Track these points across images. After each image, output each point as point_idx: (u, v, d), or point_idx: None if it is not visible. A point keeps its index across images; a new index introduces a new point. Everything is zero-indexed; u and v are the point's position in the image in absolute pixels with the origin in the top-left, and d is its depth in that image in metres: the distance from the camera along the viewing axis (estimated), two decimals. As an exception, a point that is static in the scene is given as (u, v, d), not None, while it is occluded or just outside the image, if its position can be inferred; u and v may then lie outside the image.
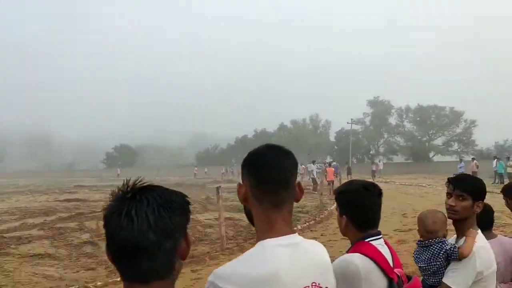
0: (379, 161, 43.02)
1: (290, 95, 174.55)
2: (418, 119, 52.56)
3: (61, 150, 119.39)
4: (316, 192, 19.91)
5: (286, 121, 61.40)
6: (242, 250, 8.17)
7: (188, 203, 0.97)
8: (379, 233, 1.67)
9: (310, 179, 25.40)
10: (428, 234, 1.99)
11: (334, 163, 30.42)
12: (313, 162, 29.48)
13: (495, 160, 26.19)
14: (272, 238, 1.13)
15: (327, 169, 22.71)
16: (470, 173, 27.53)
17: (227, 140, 66.57)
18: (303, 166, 30.43)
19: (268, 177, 1.16)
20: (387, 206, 16.30)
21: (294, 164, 1.23)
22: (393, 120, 55.30)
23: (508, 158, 24.66)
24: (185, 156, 73.38)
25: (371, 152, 57.15)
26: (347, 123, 54.58)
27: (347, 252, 1.67)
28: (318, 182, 23.26)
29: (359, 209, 1.64)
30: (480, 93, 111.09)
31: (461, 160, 28.40)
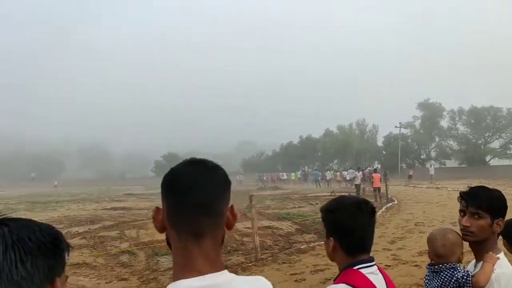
0: (430, 166, 41.21)
1: (336, 100, 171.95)
2: (472, 121, 49.89)
3: (114, 159, 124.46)
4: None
5: (332, 127, 60.44)
6: (276, 260, 7.97)
7: (60, 241, 0.76)
8: (371, 259, 1.44)
9: (354, 186, 24.83)
10: (438, 258, 1.71)
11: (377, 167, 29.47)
12: (358, 169, 28.69)
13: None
14: (186, 279, 0.87)
15: (373, 175, 21.92)
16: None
17: (274, 147, 66.46)
18: (338, 172, 29.83)
19: (184, 200, 0.90)
20: (437, 214, 15.53)
21: (223, 183, 0.96)
22: (445, 123, 52.90)
23: None
24: (232, 163, 73.92)
25: (421, 156, 54.87)
26: (395, 127, 52.90)
27: (334, 281, 1.44)
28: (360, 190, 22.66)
29: (349, 231, 1.42)
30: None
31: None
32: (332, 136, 58.18)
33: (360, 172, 26.60)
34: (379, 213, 16.64)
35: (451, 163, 52.38)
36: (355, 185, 24.00)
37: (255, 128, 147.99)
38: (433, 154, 54.07)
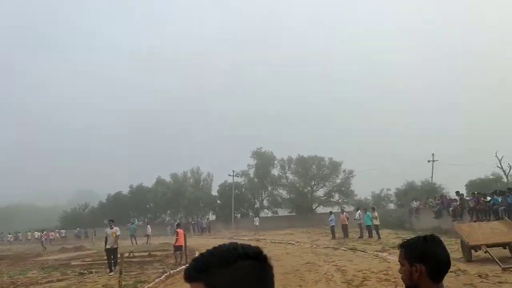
0: (255, 217, 40.32)
1: (170, 148, 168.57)
2: (300, 170, 51.67)
3: None
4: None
5: (165, 175, 56.48)
6: None
7: None
8: None
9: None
10: None
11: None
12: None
13: (359, 211, 24.52)
14: None
15: (178, 230, 18.43)
16: (341, 226, 25.59)
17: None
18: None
19: None
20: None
21: None
22: (276, 171, 53.82)
23: (373, 209, 23.04)
24: (55, 217, 63.38)
25: (255, 205, 54.48)
26: (229, 175, 51.77)
27: None
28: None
29: (439, 260, 1.91)
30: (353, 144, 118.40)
31: (330, 213, 26.35)
32: (164, 185, 54.16)
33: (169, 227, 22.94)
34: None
35: (283, 211, 52.97)
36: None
37: (93, 175, 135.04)
38: (265, 203, 54.11)
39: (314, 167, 51.26)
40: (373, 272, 11.73)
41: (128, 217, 53.39)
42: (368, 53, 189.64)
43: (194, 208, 52.72)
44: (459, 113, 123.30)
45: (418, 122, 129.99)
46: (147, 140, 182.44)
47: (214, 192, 55.23)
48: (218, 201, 54.06)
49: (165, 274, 13.44)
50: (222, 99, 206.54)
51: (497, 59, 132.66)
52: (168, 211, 54.97)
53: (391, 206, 43.90)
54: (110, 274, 14.13)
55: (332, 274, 11.90)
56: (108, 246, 15.16)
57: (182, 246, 17.57)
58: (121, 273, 10.58)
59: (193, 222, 48.65)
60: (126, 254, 21.12)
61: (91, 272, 15.75)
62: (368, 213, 22.61)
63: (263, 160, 53.38)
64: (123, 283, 12.60)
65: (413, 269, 1.96)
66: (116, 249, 14.91)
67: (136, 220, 53.64)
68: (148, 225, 35.01)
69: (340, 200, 50.32)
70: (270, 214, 53.20)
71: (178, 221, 23.95)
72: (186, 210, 53.21)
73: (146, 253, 21.07)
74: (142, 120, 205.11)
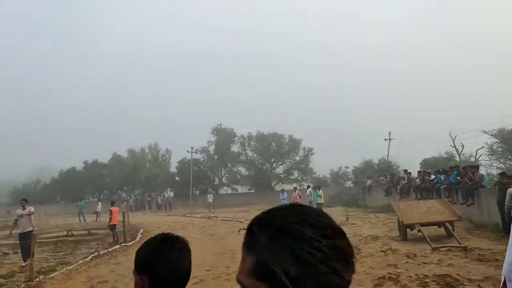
0: (209, 194, 39.81)
1: (130, 122, 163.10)
2: (260, 147, 51.32)
3: None
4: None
5: (121, 151, 54.80)
6: None
7: None
8: None
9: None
10: None
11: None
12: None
13: (309, 189, 24.39)
14: None
15: (111, 209, 17.54)
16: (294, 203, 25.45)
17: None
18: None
19: None
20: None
21: None
22: (235, 148, 53.26)
23: (318, 187, 22.94)
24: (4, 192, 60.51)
25: (215, 182, 53.96)
26: (187, 151, 50.79)
27: None
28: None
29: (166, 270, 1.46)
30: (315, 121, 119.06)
31: (283, 191, 26.09)
32: (121, 161, 52.63)
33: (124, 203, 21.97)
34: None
35: (242, 188, 52.72)
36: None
37: (51, 151, 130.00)
38: (224, 180, 53.68)
39: (274, 144, 51.01)
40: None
41: (82, 193, 51.79)
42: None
43: (152, 185, 51.62)
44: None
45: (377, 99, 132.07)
46: (104, 114, 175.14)
47: (173, 169, 54.25)
48: (177, 178, 53.17)
49: (92, 255, 12.67)
50: (186, 74, 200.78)
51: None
52: (125, 188, 53.60)
53: (349, 184, 44.47)
54: (24, 264, 11.73)
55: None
56: (20, 230, 12.28)
57: (116, 224, 16.78)
58: (32, 255, 9.71)
59: (149, 199, 47.70)
60: (64, 233, 20.24)
61: (16, 253, 14.76)
62: (317, 191, 22.45)
63: (223, 136, 52.66)
64: (45, 264, 11.82)
65: (139, 282, 1.38)
66: (31, 232, 11.97)
67: (91, 197, 52.20)
68: (99, 202, 33.80)
69: (299, 178, 50.52)
70: (229, 191, 52.95)
71: (113, 199, 22.85)
72: (143, 186, 52.02)
73: (86, 232, 20.13)
74: (102, 90, 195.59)
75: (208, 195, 39.24)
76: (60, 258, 12.68)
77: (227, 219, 25.34)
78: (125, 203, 46.98)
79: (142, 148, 54.32)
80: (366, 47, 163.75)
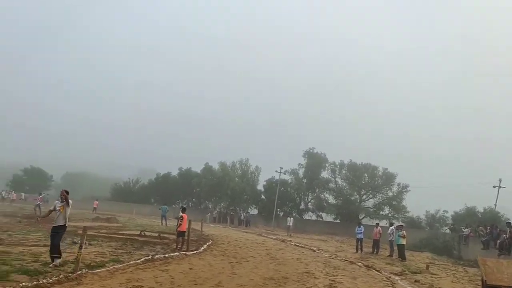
0: (290, 218, 38.70)
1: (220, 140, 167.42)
2: (350, 176, 48.95)
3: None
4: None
5: (213, 162, 56.45)
6: None
7: None
8: None
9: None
10: None
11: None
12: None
13: (392, 227, 22.05)
14: None
15: (183, 215, 17.56)
16: (372, 240, 23.30)
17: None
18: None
19: None
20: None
21: None
22: (325, 174, 51.49)
23: (401, 227, 20.61)
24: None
25: (300, 206, 52.67)
26: (276, 171, 50.48)
27: None
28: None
29: None
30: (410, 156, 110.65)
31: (359, 224, 24.05)
32: (211, 172, 54.15)
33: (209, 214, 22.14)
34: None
35: (327, 217, 50.64)
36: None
37: (155, 155, 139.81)
38: (310, 205, 52.11)
39: (366, 175, 48.32)
40: (364, 296, 9.95)
41: (173, 198, 54.20)
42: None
43: (238, 199, 52.13)
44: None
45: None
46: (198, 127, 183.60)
47: (260, 187, 54.29)
48: (263, 196, 53.04)
49: (146, 258, 12.56)
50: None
51: None
52: (212, 199, 54.91)
53: (445, 230, 40.06)
54: (51, 265, 10.07)
55: (316, 290, 10.29)
56: (54, 224, 10.62)
57: (185, 231, 16.72)
58: (80, 247, 9.76)
59: (231, 213, 48.10)
60: (137, 232, 20.85)
61: (91, 244, 15.35)
62: (399, 231, 20.22)
63: (314, 160, 51.39)
64: (99, 259, 11.96)
65: None
66: (63, 227, 10.54)
67: (180, 203, 54.31)
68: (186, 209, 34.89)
69: (389, 214, 46.89)
70: (313, 217, 51.26)
71: (184, 205, 22.97)
72: (229, 200, 52.79)
73: (157, 234, 20.49)
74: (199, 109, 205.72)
75: (288, 218, 38.23)
76: (116, 256, 12.78)
77: (299, 245, 24.12)
78: (209, 214, 47.97)
79: (233, 162, 55.43)
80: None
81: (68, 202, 10.68)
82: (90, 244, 15.39)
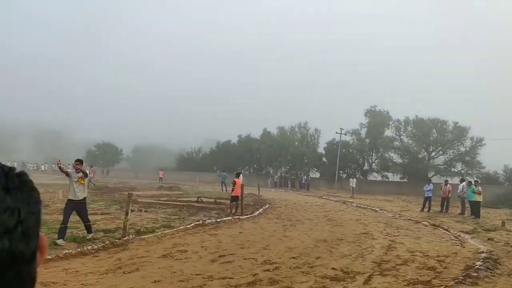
0: (353, 179, 37.27)
1: (282, 103, 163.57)
2: (417, 133, 46.09)
3: (68, 146, 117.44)
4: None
5: (272, 129, 55.77)
6: None
7: None
8: None
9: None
10: None
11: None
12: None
13: (463, 183, 20.24)
14: None
15: (235, 180, 17.28)
16: (441, 199, 21.70)
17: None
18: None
19: None
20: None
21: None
22: (389, 133, 48.93)
23: (476, 182, 18.83)
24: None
25: (364, 167, 50.92)
26: (336, 133, 48.89)
27: None
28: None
29: None
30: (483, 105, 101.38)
31: (429, 182, 22.39)
32: (270, 138, 53.70)
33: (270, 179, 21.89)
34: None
35: (394, 177, 48.49)
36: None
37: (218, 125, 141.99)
38: (374, 165, 50.14)
39: (434, 131, 45.23)
40: (426, 255, 8.99)
41: (235, 165, 54.87)
42: None
43: (298, 163, 51.46)
44: None
45: None
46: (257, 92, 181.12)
47: (321, 150, 53.03)
48: (324, 159, 51.88)
49: (196, 222, 12.40)
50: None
51: None
52: (273, 164, 54.69)
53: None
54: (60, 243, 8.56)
55: (373, 250, 9.47)
56: (71, 197, 9.19)
57: (238, 196, 16.45)
58: (127, 214, 9.68)
59: (292, 177, 47.65)
60: (195, 199, 21.01)
61: (146, 211, 15.62)
62: (472, 186, 18.48)
63: (377, 119, 48.95)
64: (150, 225, 11.98)
65: None
66: (84, 202, 9.37)
67: (242, 170, 54.77)
68: (241, 174, 34.97)
69: (463, 171, 43.84)
70: (379, 178, 49.39)
71: (238, 171, 22.62)
72: (289, 164, 52.27)
73: (213, 200, 20.53)
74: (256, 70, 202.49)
75: (351, 179, 36.98)
76: (168, 222, 12.76)
77: (361, 206, 23.12)
78: (270, 179, 47.93)
79: (292, 126, 54.40)
80: None
81: (86, 173, 9.50)
82: (145, 211, 15.67)
